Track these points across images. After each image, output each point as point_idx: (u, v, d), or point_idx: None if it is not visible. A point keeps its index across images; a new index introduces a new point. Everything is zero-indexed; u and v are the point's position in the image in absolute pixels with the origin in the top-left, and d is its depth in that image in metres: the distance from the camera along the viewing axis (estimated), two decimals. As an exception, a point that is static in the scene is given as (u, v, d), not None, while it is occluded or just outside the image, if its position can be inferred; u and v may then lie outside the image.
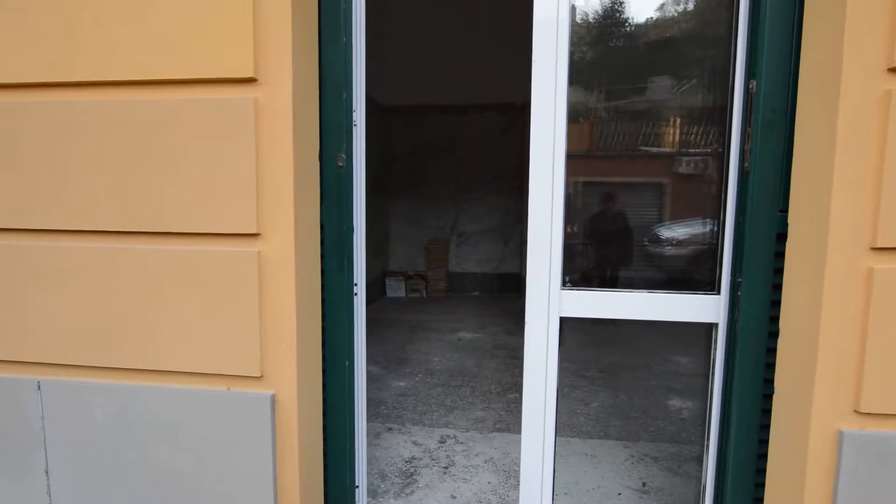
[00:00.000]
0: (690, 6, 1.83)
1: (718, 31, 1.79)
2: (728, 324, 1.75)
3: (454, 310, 6.69)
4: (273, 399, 1.66)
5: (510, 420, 3.41)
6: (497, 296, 7.44)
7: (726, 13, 1.72)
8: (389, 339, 5.31)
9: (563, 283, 1.85)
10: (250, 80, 1.56)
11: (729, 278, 1.74)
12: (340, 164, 1.80)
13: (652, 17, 1.91)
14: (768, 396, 1.66)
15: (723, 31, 1.73)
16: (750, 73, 1.63)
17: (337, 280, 1.85)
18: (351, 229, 1.85)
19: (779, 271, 1.64)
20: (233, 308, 1.63)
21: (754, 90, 1.60)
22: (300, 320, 1.67)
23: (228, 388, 1.67)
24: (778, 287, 1.64)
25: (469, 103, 7.17)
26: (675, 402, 3.73)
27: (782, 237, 1.62)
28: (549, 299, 1.85)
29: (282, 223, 1.60)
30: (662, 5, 1.84)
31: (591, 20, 1.83)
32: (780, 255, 1.63)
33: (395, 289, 7.46)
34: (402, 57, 7.11)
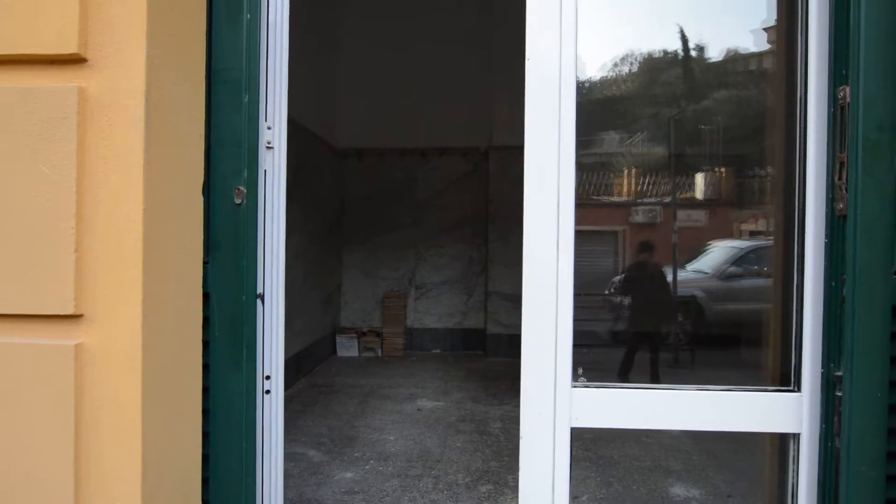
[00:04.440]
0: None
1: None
2: (821, 437, 1.18)
3: (413, 372, 5.96)
4: None
5: (484, 527, 2.71)
6: (460, 354, 6.78)
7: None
8: (336, 412, 4.53)
9: (575, 378, 1.26)
10: (74, 60, 0.94)
11: (819, 370, 1.19)
12: (238, 200, 1.17)
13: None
14: (900, 558, 1.09)
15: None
16: (838, 76, 1.14)
17: (231, 381, 1.19)
18: (256, 299, 1.21)
19: (899, 362, 1.10)
20: (27, 446, 0.94)
21: (847, 101, 1.11)
22: (153, 456, 0.99)
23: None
24: (899, 386, 1.10)
25: (429, 146, 6.71)
26: (678, 490, 3.13)
27: (901, 311, 1.09)
28: (554, 402, 1.25)
29: (123, 295, 0.95)
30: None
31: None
32: (900, 339, 1.10)
33: (347, 347, 6.68)
34: (356, 96, 6.65)
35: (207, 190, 1.15)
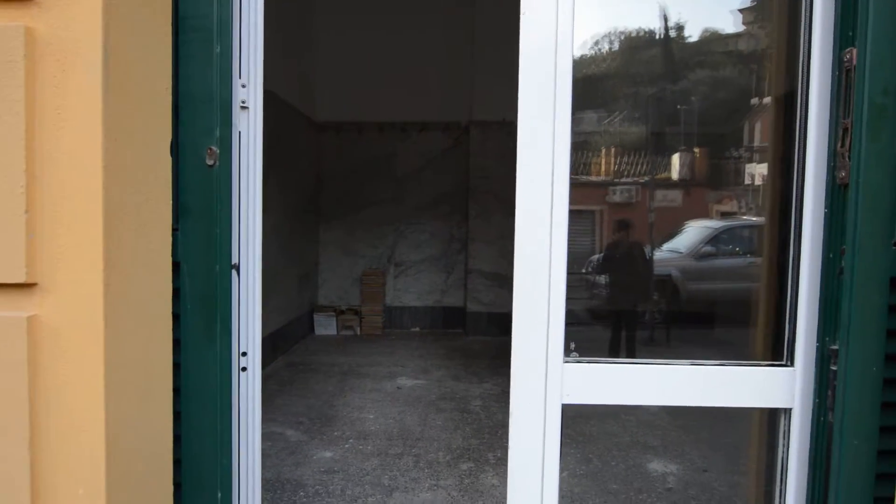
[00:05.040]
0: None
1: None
2: (814, 411, 1.17)
3: (392, 350, 5.92)
4: None
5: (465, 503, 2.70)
6: (440, 332, 6.76)
7: None
8: (315, 391, 4.47)
9: (567, 353, 1.22)
10: (19, -4, 0.84)
11: (813, 344, 1.17)
12: (210, 161, 1.08)
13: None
14: (890, 530, 1.09)
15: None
16: (844, 38, 1.09)
17: (205, 357, 1.11)
18: (230, 270, 1.13)
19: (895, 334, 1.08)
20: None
21: (853, 63, 1.06)
22: (119, 438, 0.91)
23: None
24: (894, 359, 1.09)
25: (409, 121, 6.57)
26: (655, 466, 3.17)
27: (899, 283, 1.07)
28: (546, 377, 1.20)
29: (82, 263, 0.86)
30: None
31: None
32: (898, 311, 1.08)
33: (325, 326, 6.59)
34: (335, 69, 6.44)
35: (176, 150, 1.06)
